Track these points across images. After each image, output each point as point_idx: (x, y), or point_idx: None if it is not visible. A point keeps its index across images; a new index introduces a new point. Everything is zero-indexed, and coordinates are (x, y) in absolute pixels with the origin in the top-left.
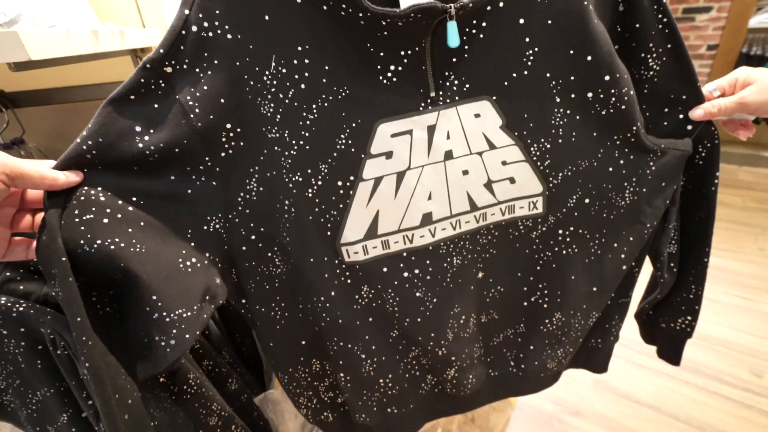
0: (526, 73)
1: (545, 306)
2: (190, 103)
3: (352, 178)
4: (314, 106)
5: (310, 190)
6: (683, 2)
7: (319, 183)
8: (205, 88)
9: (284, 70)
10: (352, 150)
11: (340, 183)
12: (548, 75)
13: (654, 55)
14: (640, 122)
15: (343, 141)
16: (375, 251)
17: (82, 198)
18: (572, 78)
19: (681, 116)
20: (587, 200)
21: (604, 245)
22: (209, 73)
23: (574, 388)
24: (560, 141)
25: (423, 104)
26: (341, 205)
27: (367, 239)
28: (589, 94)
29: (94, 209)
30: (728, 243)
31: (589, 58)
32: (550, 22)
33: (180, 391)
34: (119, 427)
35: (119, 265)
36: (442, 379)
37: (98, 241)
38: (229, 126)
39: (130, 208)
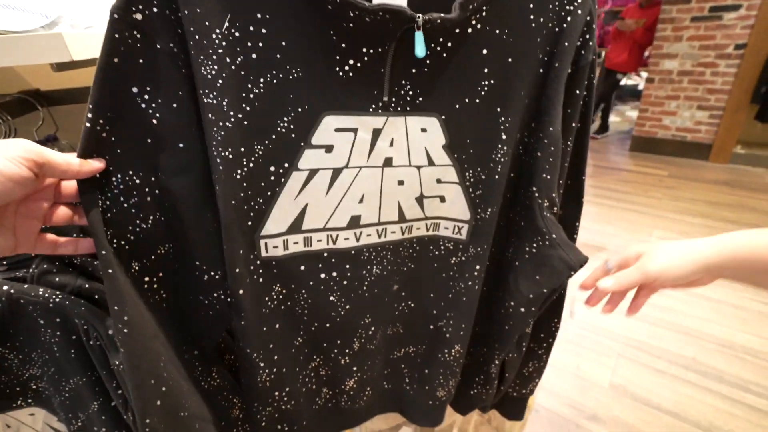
0: (477, 101)
1: (448, 336)
2: (175, 49)
3: (286, 165)
4: (262, 80)
5: (239, 171)
6: (710, 0)
7: (251, 165)
8: (179, 31)
9: (237, 34)
10: (293, 136)
11: (272, 168)
12: (498, 110)
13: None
14: (538, 191)
15: (285, 125)
16: (296, 247)
17: (119, 186)
18: (518, 118)
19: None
20: (496, 239)
21: (492, 291)
22: (178, 14)
23: (592, 393)
24: (496, 177)
25: (374, 106)
26: (269, 193)
27: (290, 233)
28: (519, 135)
29: (134, 193)
30: None
31: (527, 101)
32: (510, 60)
33: (205, 383)
34: (149, 412)
35: (165, 241)
36: (338, 392)
37: (141, 225)
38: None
39: (159, 186)
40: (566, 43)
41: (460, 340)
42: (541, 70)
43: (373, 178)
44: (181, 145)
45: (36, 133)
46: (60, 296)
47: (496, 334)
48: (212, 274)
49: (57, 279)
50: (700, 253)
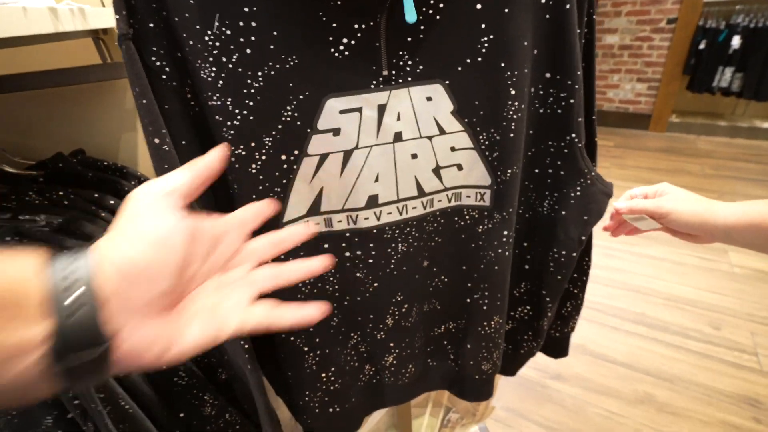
0: (479, 60)
1: (485, 308)
2: (158, 63)
3: (296, 152)
4: (260, 73)
5: (253, 166)
6: None
7: (263, 158)
8: (164, 42)
9: (228, 32)
10: (298, 123)
11: (283, 157)
12: (503, 65)
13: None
14: (577, 135)
15: (289, 113)
16: (317, 228)
17: None
18: (525, 71)
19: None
20: (522, 198)
21: (530, 251)
22: (162, 25)
23: None
24: (512, 135)
25: (375, 82)
26: (284, 181)
27: (310, 215)
28: (532, 90)
29: None
30: None
31: (535, 51)
32: (507, 11)
33: (172, 383)
34: None
35: None
36: (380, 368)
37: None
38: (189, 82)
39: None
40: None
41: (497, 310)
42: (548, 16)
43: (385, 155)
44: (183, 142)
45: None
46: None
47: (546, 288)
48: None
49: None
50: (715, 212)
